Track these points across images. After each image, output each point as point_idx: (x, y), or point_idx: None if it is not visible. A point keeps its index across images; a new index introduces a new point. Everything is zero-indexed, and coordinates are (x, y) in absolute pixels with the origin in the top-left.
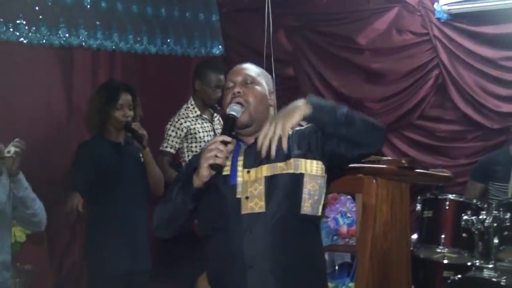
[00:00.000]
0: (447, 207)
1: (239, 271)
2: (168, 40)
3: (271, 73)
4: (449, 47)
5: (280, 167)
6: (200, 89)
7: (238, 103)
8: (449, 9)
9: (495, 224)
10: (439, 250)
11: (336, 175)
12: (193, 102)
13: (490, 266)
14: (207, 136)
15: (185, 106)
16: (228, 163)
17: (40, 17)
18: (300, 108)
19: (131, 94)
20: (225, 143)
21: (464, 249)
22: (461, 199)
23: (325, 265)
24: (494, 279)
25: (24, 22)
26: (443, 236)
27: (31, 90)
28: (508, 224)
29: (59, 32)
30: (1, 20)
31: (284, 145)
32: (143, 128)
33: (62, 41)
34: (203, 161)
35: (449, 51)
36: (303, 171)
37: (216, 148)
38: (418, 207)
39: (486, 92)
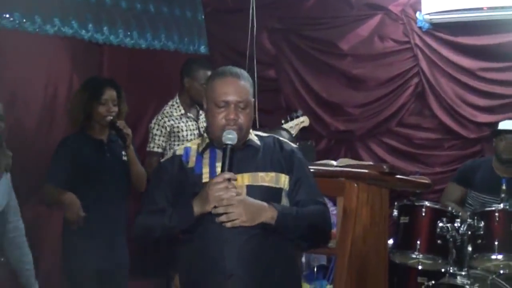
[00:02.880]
0: (423, 214)
1: (219, 279)
2: (161, 36)
3: (253, 75)
4: (429, 56)
5: (261, 178)
6: (189, 86)
7: (234, 129)
8: (431, 19)
9: (469, 232)
10: (414, 256)
11: None
12: (178, 100)
13: (463, 273)
14: (191, 135)
15: (169, 104)
16: (206, 169)
17: (35, 7)
18: (266, 217)
19: (116, 89)
20: (230, 180)
21: (438, 256)
22: (437, 206)
23: (300, 269)
24: (467, 286)
25: (19, 12)
26: (418, 242)
27: (22, 78)
28: (481, 232)
29: (54, 20)
30: None
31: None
32: (128, 126)
33: (54, 30)
34: (212, 199)
35: (429, 60)
36: (282, 186)
37: (226, 187)
38: (395, 212)
39: (463, 101)
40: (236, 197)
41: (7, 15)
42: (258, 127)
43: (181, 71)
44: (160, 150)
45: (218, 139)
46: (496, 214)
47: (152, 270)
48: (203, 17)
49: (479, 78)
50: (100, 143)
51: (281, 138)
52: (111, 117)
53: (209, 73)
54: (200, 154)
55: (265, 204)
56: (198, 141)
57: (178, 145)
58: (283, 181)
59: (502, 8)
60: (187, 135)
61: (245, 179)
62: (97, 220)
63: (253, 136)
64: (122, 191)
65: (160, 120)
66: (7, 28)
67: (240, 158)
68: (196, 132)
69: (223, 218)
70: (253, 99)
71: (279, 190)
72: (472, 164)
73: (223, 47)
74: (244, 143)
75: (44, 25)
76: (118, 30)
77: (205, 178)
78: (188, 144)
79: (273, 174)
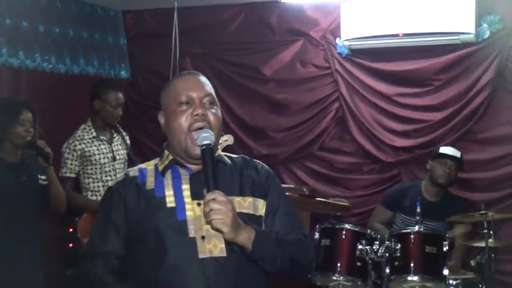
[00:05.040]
0: (343, 236)
1: None
2: (79, 60)
3: None
4: (349, 81)
5: (238, 203)
6: (101, 108)
7: (202, 128)
8: (350, 45)
9: (387, 254)
10: (335, 278)
11: None
12: (90, 124)
13: None
14: (104, 158)
15: (82, 127)
16: (170, 192)
17: None
18: (244, 237)
19: (31, 112)
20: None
21: (358, 278)
22: (357, 229)
23: None
24: None
25: None
26: (339, 264)
27: None
28: (399, 254)
29: None
30: None
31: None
32: (46, 148)
33: None
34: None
35: (348, 85)
36: (262, 214)
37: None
38: (316, 235)
39: (381, 126)
40: (225, 197)
41: None
42: None
43: (90, 93)
44: (72, 175)
45: (184, 148)
46: (412, 236)
47: None
48: (125, 41)
49: (396, 103)
50: (12, 165)
51: (253, 159)
52: (30, 137)
53: (120, 95)
54: (161, 174)
55: (245, 223)
56: (154, 161)
57: (91, 169)
58: (261, 207)
59: (417, 35)
60: (99, 158)
61: None
62: (8, 247)
63: (221, 153)
64: (33, 213)
65: (71, 144)
66: None
67: None
68: (110, 155)
69: (208, 216)
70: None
71: (259, 218)
72: (400, 189)
73: (146, 71)
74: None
75: None
76: (35, 54)
77: (169, 202)
78: (142, 165)
79: (250, 199)
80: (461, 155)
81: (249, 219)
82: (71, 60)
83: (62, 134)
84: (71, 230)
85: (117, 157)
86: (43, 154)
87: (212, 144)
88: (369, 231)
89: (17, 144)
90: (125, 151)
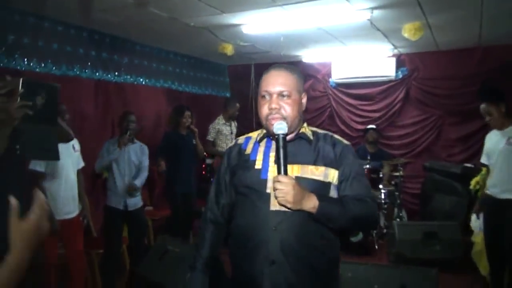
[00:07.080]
0: None
1: (260, 263)
2: (208, 88)
3: (253, 109)
4: (336, 99)
5: (310, 171)
6: (230, 110)
7: (277, 118)
8: (336, 81)
9: None
10: None
11: None
12: (222, 116)
13: None
14: (228, 133)
15: (218, 117)
16: (260, 157)
17: (151, 73)
18: (308, 206)
19: (190, 111)
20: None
21: None
22: None
23: (339, 255)
24: None
25: (144, 76)
26: None
27: (149, 111)
28: None
29: (160, 80)
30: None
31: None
32: (195, 128)
33: (160, 85)
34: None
35: (335, 100)
36: (331, 181)
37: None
38: None
39: (351, 119)
40: (288, 178)
41: (131, 77)
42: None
43: (225, 102)
44: (212, 139)
45: (266, 128)
46: (365, 169)
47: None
48: (228, 79)
49: (358, 109)
50: (182, 135)
51: (335, 136)
52: (188, 124)
53: (237, 104)
54: (257, 142)
55: (311, 194)
56: (259, 131)
57: (221, 139)
58: (332, 175)
59: (368, 76)
60: (226, 134)
61: (294, 170)
62: (182, 170)
63: (307, 130)
64: (192, 157)
65: (214, 125)
66: (139, 84)
67: (291, 149)
68: (230, 131)
69: (275, 193)
70: (301, 90)
71: (328, 184)
72: (358, 148)
73: (238, 93)
74: (296, 135)
75: (155, 82)
76: (188, 85)
77: (258, 164)
78: (250, 134)
79: (323, 168)
80: (376, 127)
81: (318, 184)
82: (204, 88)
83: (200, 122)
84: (203, 165)
85: (233, 133)
86: (192, 132)
87: (285, 134)
88: None
89: (183, 126)
90: (235, 130)
